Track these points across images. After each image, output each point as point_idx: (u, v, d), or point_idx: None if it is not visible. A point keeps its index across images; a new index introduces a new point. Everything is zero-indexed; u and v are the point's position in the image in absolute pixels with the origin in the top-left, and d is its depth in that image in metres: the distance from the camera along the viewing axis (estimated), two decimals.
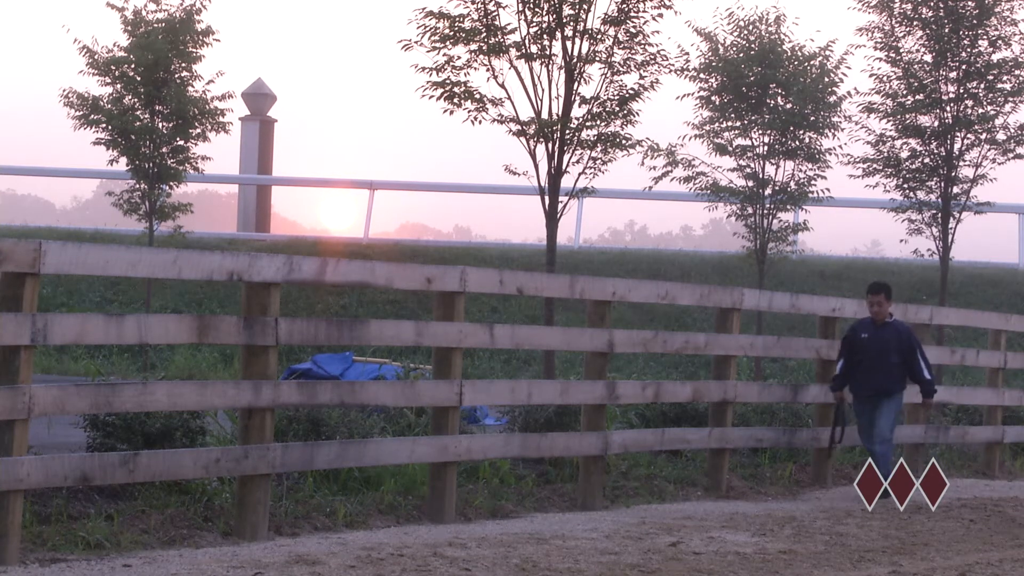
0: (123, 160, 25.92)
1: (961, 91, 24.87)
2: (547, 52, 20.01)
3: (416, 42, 20.03)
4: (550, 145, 20.17)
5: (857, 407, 15.00)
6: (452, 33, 19.92)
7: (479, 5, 19.91)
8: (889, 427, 14.78)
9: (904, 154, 25.13)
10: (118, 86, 25.59)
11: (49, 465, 9.39)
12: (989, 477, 17.73)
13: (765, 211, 25.57)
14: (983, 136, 24.94)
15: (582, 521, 12.28)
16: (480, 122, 20.27)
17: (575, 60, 20.07)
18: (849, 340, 15.00)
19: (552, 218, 20.45)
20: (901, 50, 24.96)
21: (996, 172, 25.20)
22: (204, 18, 25.83)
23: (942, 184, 24.96)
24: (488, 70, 20.06)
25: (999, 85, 24.90)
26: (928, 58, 24.93)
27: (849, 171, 25.48)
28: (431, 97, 20.12)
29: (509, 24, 19.98)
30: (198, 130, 25.79)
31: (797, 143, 25.36)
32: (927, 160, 25.05)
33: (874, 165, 25.14)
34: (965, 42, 24.80)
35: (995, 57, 24.91)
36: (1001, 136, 25.02)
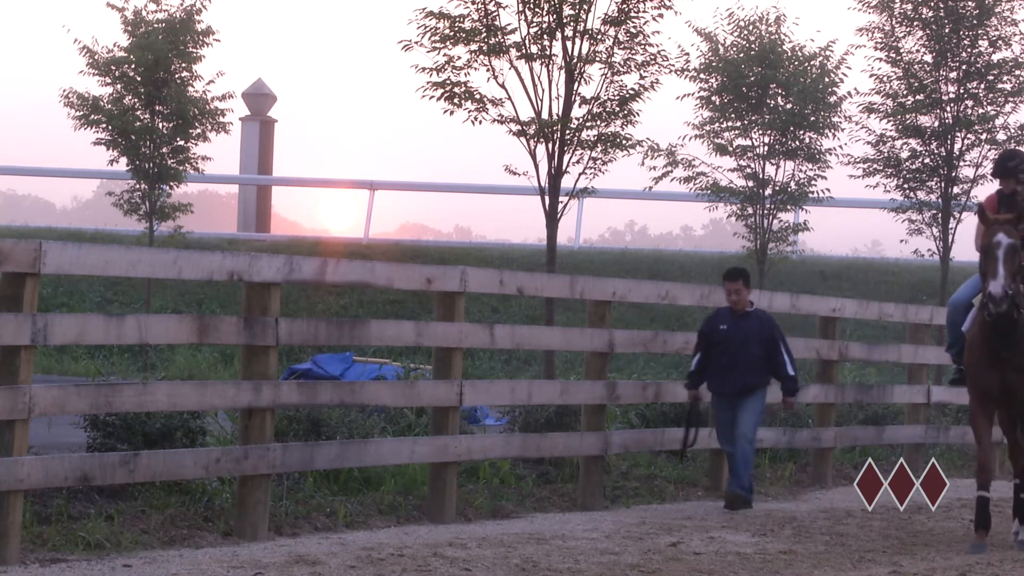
0: (123, 160, 25.91)
1: (961, 91, 24.87)
2: (547, 52, 20.00)
3: (416, 42, 20.03)
4: (550, 145, 20.16)
5: (716, 405, 13.74)
6: (452, 33, 19.92)
7: (479, 5, 19.91)
8: (752, 425, 13.55)
9: (904, 154, 25.12)
10: (118, 86, 25.59)
11: (49, 465, 9.39)
12: None
13: (765, 211, 25.55)
14: (983, 136, 24.93)
15: (582, 521, 12.28)
16: (480, 122, 20.27)
17: (575, 60, 20.07)
18: (706, 332, 13.73)
19: (552, 218, 20.44)
20: (901, 50, 24.95)
21: None
22: (204, 18, 25.81)
23: (942, 184, 24.95)
24: (488, 70, 20.06)
25: (999, 85, 24.90)
26: (928, 58, 24.93)
27: (849, 171, 25.48)
28: (431, 97, 20.12)
29: (509, 24, 19.99)
30: (198, 130, 25.79)
31: (797, 143, 25.35)
32: (927, 160, 25.04)
33: (874, 165, 25.13)
34: (965, 42, 24.80)
35: (995, 57, 24.91)
36: (1001, 136, 25.01)
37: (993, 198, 12.34)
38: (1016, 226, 11.63)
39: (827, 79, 25.21)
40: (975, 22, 24.62)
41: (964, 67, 24.84)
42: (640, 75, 20.51)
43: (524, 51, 19.96)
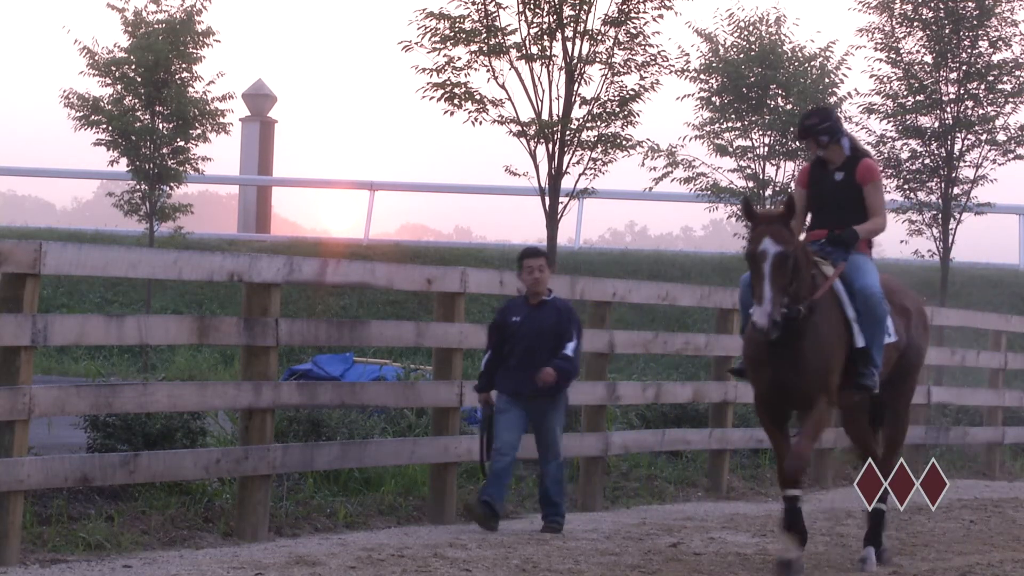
0: (123, 161, 25.95)
1: (961, 92, 24.89)
2: (547, 53, 20.02)
3: (416, 43, 20.06)
4: (550, 146, 20.18)
5: (504, 406, 11.51)
6: (452, 34, 19.94)
7: (479, 6, 19.93)
8: (559, 437, 11.68)
9: (904, 155, 25.15)
10: (118, 87, 25.61)
11: (49, 466, 9.39)
12: (989, 478, 17.72)
13: None
14: (983, 137, 24.96)
15: (582, 522, 12.27)
16: (480, 123, 20.31)
17: (575, 61, 20.08)
18: (498, 325, 11.62)
19: (552, 219, 20.45)
20: (901, 51, 24.99)
21: (996, 173, 25.24)
22: (204, 19, 25.88)
23: (942, 185, 24.97)
24: (488, 71, 20.08)
25: (999, 86, 24.93)
26: (928, 59, 24.96)
27: None
28: (431, 98, 20.15)
29: (509, 25, 20.02)
30: (198, 131, 25.81)
31: (797, 144, 25.37)
32: (927, 161, 25.06)
33: None
34: (965, 43, 24.83)
35: (995, 58, 24.95)
36: (1001, 137, 25.05)
37: (804, 171, 10.53)
38: (787, 223, 9.66)
39: (827, 80, 25.25)
40: (975, 23, 24.65)
41: (964, 68, 24.86)
42: (640, 76, 20.55)
43: (524, 52, 19.97)
